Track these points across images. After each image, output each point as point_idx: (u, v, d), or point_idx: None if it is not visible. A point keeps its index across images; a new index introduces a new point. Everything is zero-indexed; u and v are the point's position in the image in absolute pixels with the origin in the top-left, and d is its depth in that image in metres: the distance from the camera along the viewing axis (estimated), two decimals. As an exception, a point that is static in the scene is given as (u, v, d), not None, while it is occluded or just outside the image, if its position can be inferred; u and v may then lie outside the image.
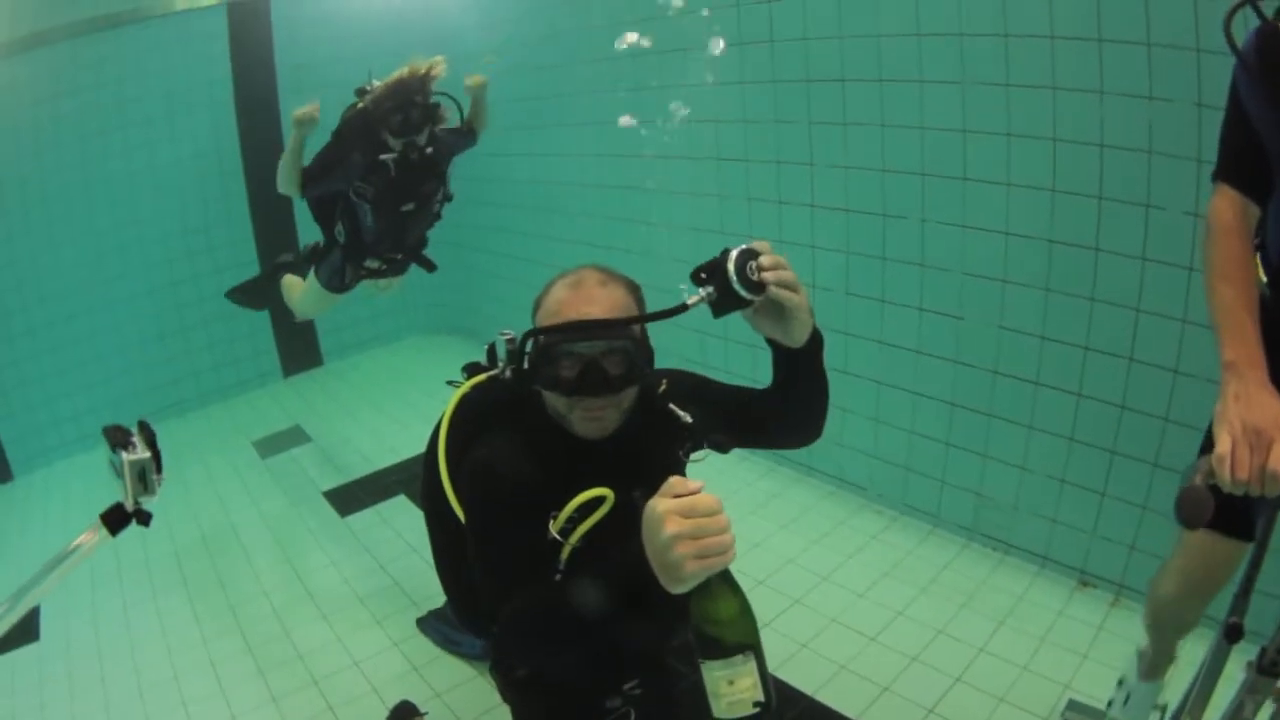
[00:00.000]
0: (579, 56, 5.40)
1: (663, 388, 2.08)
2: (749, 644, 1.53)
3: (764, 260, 1.78)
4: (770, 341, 1.97)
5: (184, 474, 5.51)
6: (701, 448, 2.12)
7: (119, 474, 2.01)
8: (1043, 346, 3.50)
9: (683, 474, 1.93)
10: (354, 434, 5.88)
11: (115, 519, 2.03)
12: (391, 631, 3.82)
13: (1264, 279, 1.99)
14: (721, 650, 1.51)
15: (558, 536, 1.88)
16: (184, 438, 6.10)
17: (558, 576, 1.87)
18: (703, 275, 1.81)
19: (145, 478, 2.00)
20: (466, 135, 4.66)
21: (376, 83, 4.25)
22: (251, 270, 6.03)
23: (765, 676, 1.54)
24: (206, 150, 6.24)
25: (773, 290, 1.78)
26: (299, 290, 5.06)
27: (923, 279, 3.87)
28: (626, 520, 1.69)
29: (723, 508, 1.47)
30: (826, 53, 3.96)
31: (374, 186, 4.31)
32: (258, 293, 5.56)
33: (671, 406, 2.04)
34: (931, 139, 3.66)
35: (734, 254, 1.77)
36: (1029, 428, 3.62)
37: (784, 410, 2.16)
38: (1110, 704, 2.67)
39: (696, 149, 4.73)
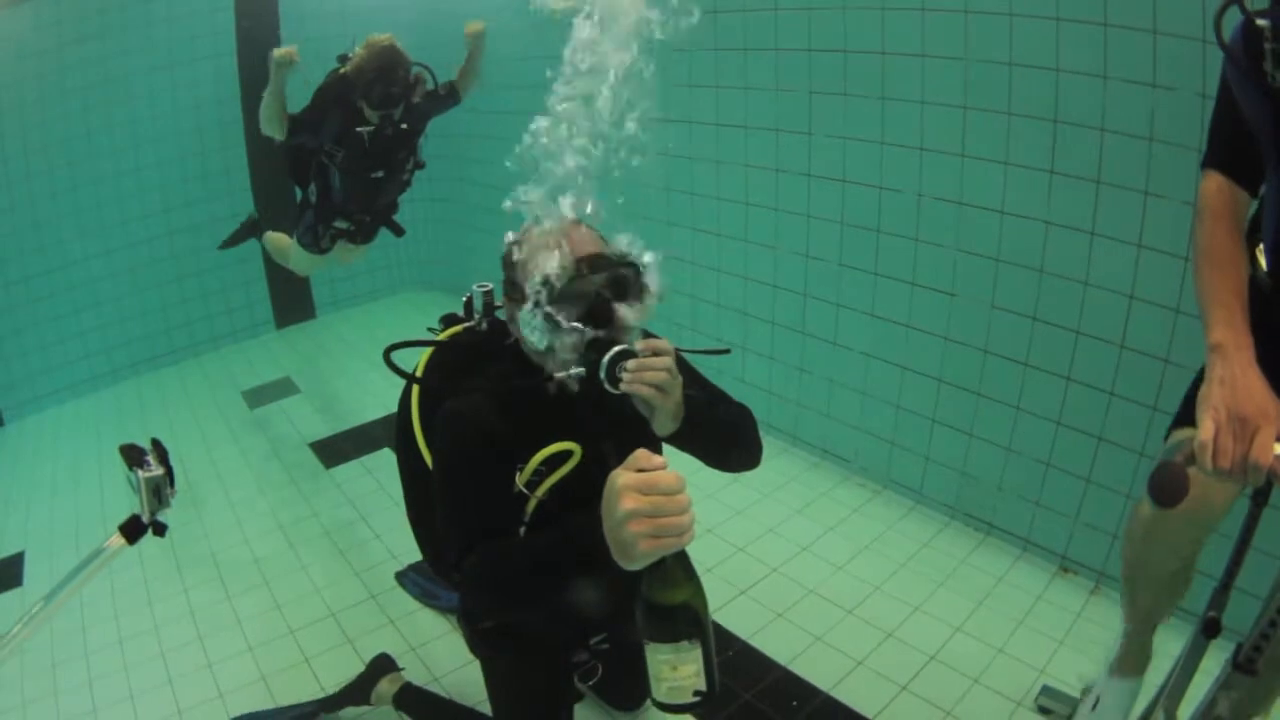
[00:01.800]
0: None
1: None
2: (696, 631, 1.49)
3: (630, 364, 1.77)
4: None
5: (173, 422, 5.55)
6: None
7: (135, 490, 2.11)
8: (1034, 328, 3.48)
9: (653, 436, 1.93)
10: (343, 387, 5.89)
11: (133, 530, 2.13)
12: (370, 584, 3.83)
13: (1265, 267, 1.97)
14: (668, 634, 1.48)
15: (524, 489, 1.89)
16: (176, 386, 6.19)
17: (523, 529, 1.89)
18: (590, 353, 1.80)
19: (160, 493, 2.10)
20: (446, 98, 4.70)
21: (359, 49, 4.29)
22: (247, 221, 6.04)
23: (711, 666, 1.51)
24: (207, 100, 6.22)
25: (632, 389, 1.77)
26: (289, 247, 5.11)
27: (916, 253, 3.84)
28: (597, 474, 1.64)
29: (684, 487, 1.42)
30: (830, 22, 3.91)
31: (345, 151, 4.41)
32: (243, 235, 5.61)
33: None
34: (931, 114, 3.63)
35: (610, 353, 1.77)
36: (1017, 409, 3.61)
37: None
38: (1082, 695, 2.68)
39: (695, 114, 4.69)
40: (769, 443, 4.53)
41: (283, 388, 5.99)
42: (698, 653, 1.48)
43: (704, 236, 4.84)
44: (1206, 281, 1.82)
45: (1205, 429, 1.55)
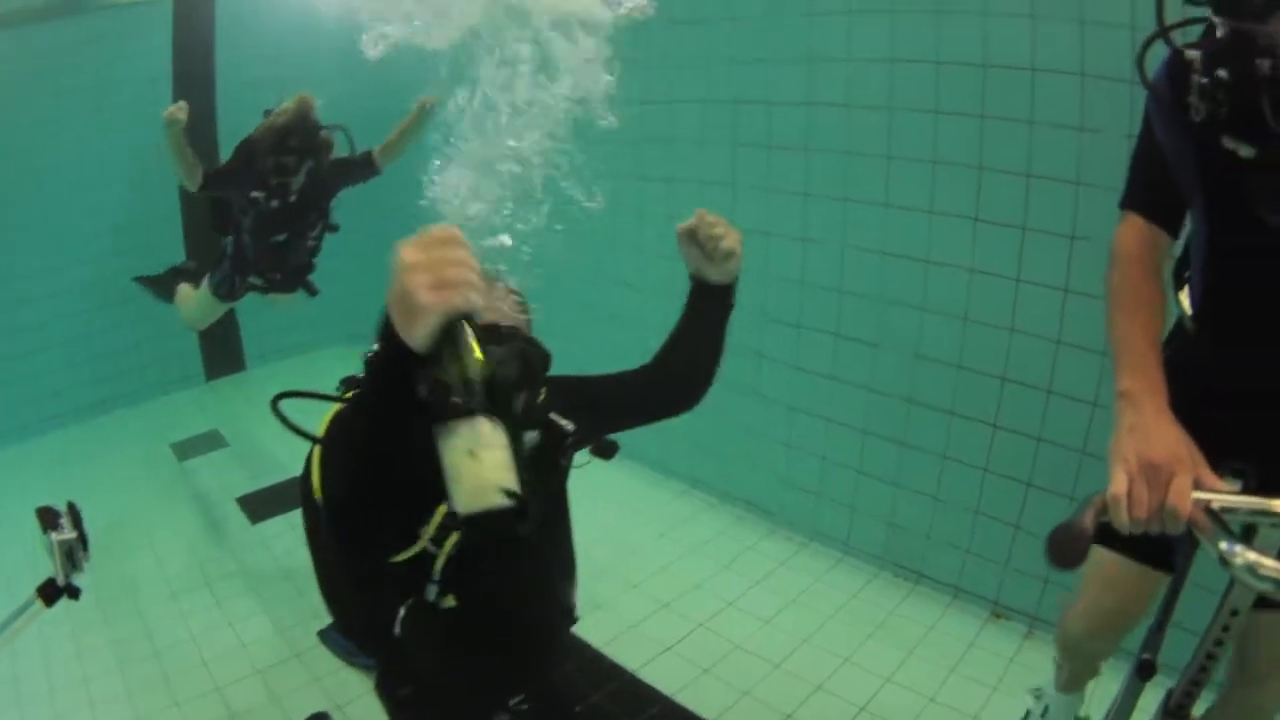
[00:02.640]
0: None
1: (541, 398, 1.96)
2: (499, 409, 1.32)
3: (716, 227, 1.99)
4: (695, 280, 2.17)
5: (104, 473, 5.42)
6: (584, 451, 2.03)
7: (50, 553, 2.11)
8: (959, 376, 3.48)
9: (563, 484, 1.97)
10: (270, 441, 5.74)
11: (49, 592, 2.13)
12: (296, 641, 3.71)
13: (1189, 311, 1.97)
14: (463, 409, 1.30)
15: (431, 547, 1.77)
16: (106, 436, 6.02)
17: (435, 586, 1.79)
18: None
19: (73, 556, 2.10)
20: (363, 167, 4.60)
21: (288, 103, 4.25)
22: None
23: (520, 468, 1.33)
24: (141, 148, 6.02)
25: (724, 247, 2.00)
26: (190, 299, 5.01)
27: (840, 304, 3.85)
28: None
29: (462, 239, 1.30)
30: (751, 76, 3.94)
31: (249, 214, 4.37)
32: (163, 286, 5.48)
33: (552, 417, 1.94)
34: (856, 164, 3.65)
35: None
36: (943, 457, 3.61)
37: (676, 359, 2.25)
38: (1028, 714, 2.64)
39: (619, 168, 4.67)
40: (695, 498, 4.55)
41: (211, 440, 5.85)
42: (502, 436, 1.32)
43: (625, 290, 4.82)
44: (1117, 326, 1.79)
45: (1117, 481, 1.46)
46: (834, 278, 3.84)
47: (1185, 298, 2.00)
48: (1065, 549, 1.37)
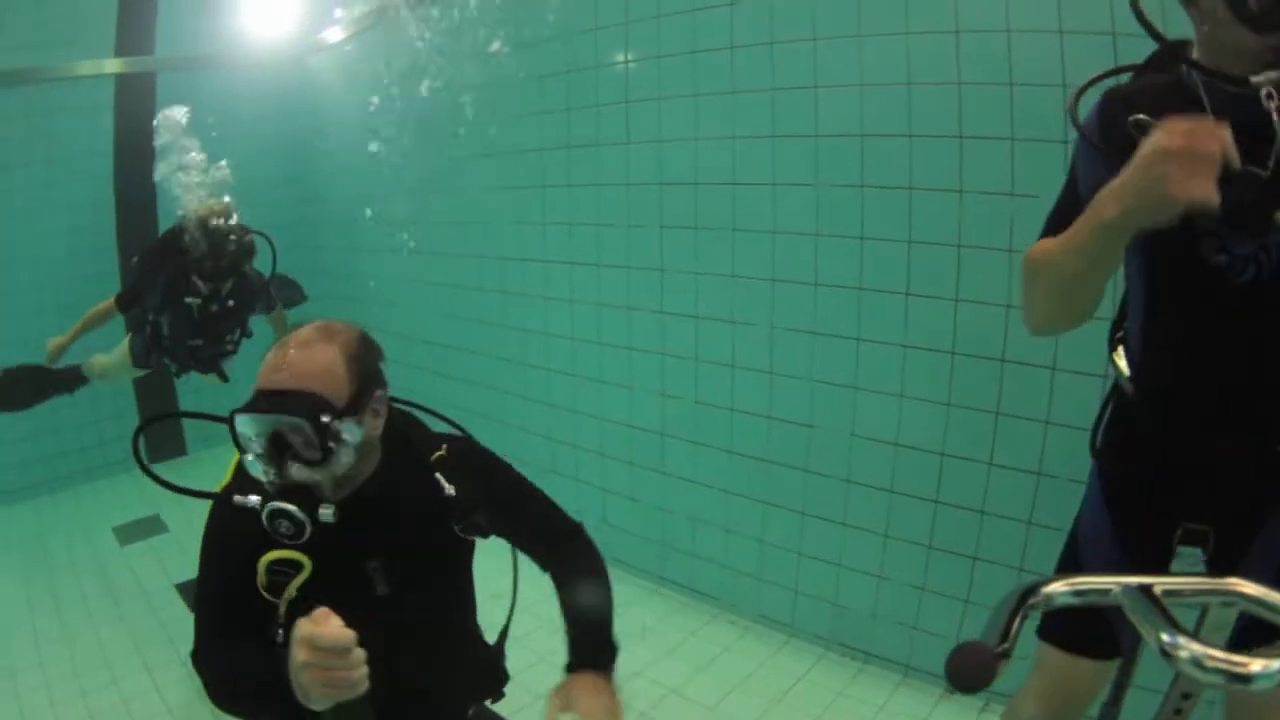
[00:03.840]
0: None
1: (439, 453, 2.01)
2: None
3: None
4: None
5: (47, 552, 5.45)
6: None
7: None
8: (897, 454, 3.50)
9: (458, 549, 2.05)
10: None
11: None
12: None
13: (1126, 372, 1.96)
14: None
15: (267, 595, 1.80)
16: (50, 517, 6.07)
17: (279, 634, 1.78)
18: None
19: None
20: (264, 295, 4.73)
21: (214, 200, 4.35)
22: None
23: None
24: (83, 225, 6.20)
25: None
26: (107, 358, 5.06)
27: (772, 386, 3.86)
28: (360, 587, 1.87)
29: (353, 644, 1.49)
30: (680, 155, 4.00)
31: (170, 314, 4.45)
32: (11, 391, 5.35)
33: (437, 476, 1.96)
34: (782, 243, 3.70)
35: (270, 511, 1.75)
36: (885, 536, 3.60)
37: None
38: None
39: (551, 252, 4.74)
40: (635, 584, 4.49)
41: (152, 525, 5.79)
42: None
43: (559, 377, 4.81)
44: (1050, 250, 1.72)
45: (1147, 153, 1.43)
46: (763, 359, 3.86)
47: (1121, 359, 1.99)
48: (969, 674, 1.12)
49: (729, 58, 3.78)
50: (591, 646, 1.98)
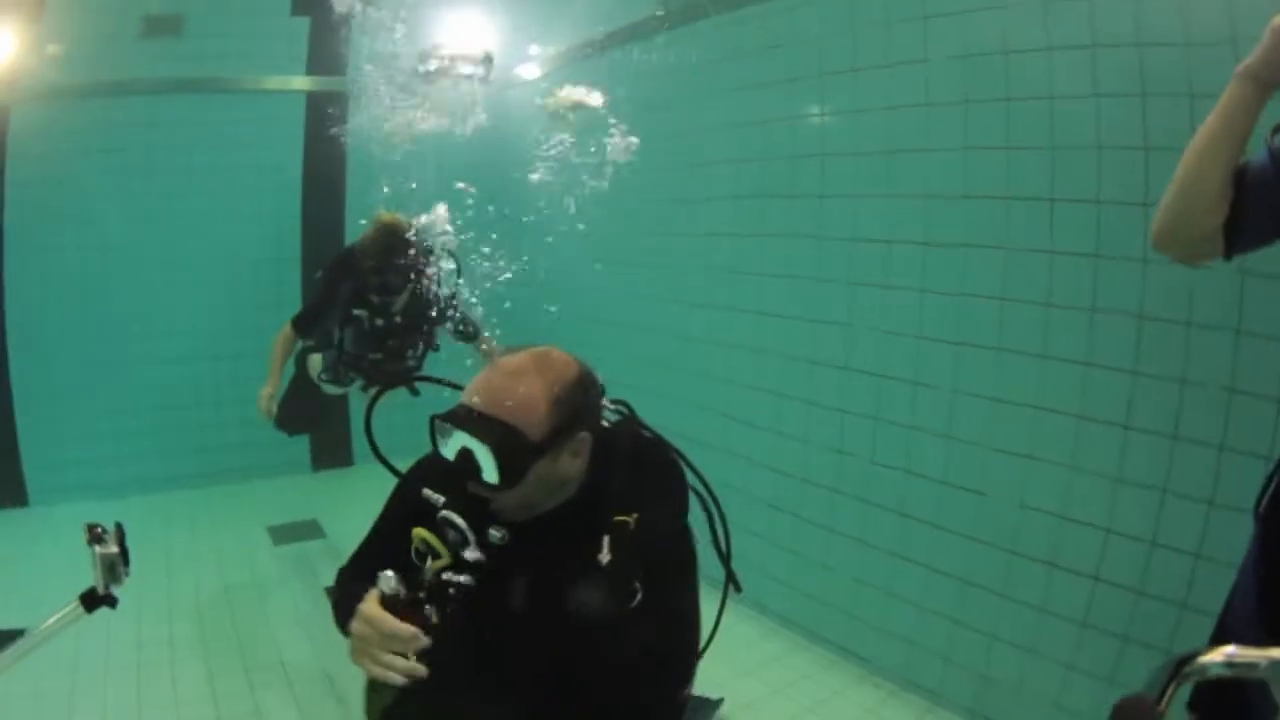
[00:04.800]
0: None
1: (624, 518, 1.93)
2: None
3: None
4: None
5: (196, 542, 5.58)
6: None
7: (94, 564, 2.29)
8: (1062, 527, 3.40)
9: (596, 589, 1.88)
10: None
11: (89, 600, 2.32)
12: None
13: None
14: None
15: (415, 559, 1.88)
16: (205, 509, 6.21)
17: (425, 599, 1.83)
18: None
19: (114, 569, 2.28)
20: (461, 334, 4.70)
21: (383, 213, 4.44)
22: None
23: None
24: (267, 235, 6.53)
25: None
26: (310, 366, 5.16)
27: (949, 450, 3.82)
28: (497, 595, 1.90)
29: (407, 640, 1.67)
30: (874, 212, 4.01)
31: (352, 327, 4.58)
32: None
33: (605, 538, 1.91)
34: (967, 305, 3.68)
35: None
36: (1040, 610, 3.50)
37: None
38: None
39: (738, 301, 4.80)
40: (786, 637, 4.46)
41: (309, 529, 5.94)
42: None
43: (734, 424, 4.85)
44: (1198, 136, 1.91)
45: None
46: (942, 422, 3.83)
47: None
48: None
49: (925, 115, 3.81)
50: None
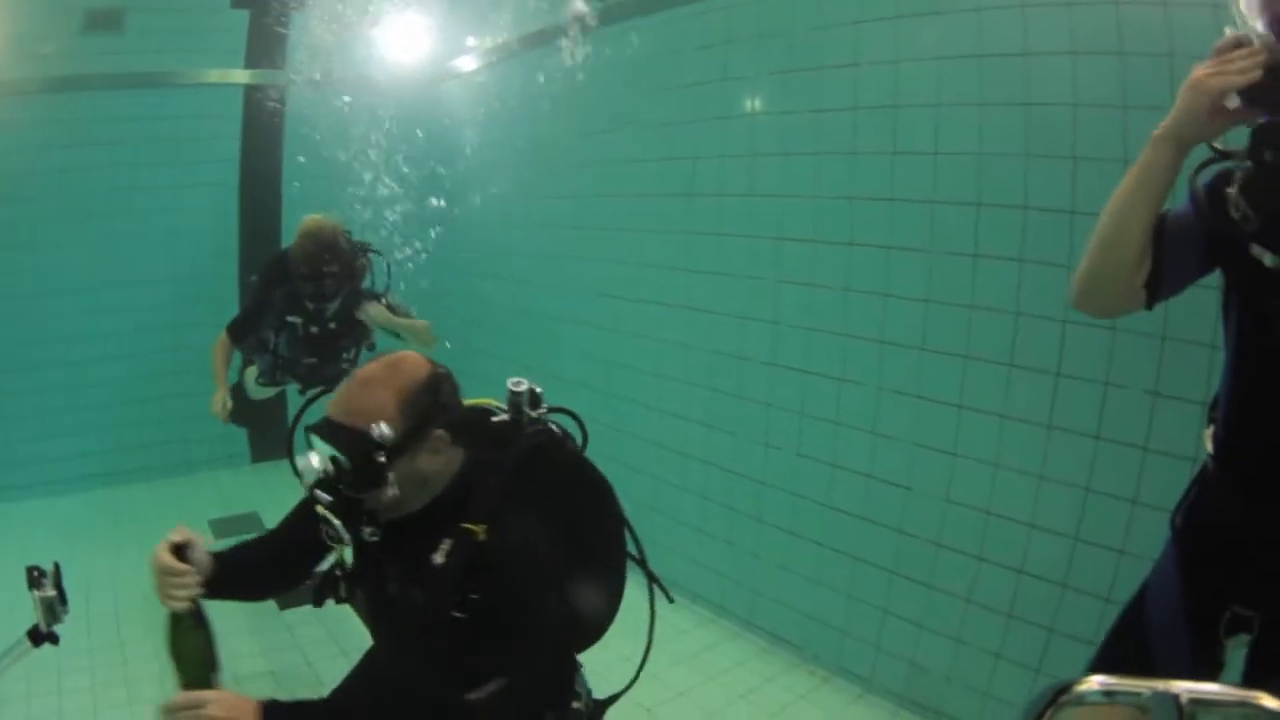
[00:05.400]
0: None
1: (474, 528, 1.97)
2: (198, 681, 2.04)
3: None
4: None
5: (139, 537, 5.35)
6: None
7: (35, 606, 2.36)
8: (988, 521, 3.54)
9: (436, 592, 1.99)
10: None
11: (36, 636, 2.39)
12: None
13: (1211, 450, 2.00)
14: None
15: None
16: (147, 503, 6.22)
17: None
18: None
19: (53, 609, 2.37)
20: (367, 299, 4.64)
21: (314, 222, 4.36)
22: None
23: None
24: (204, 228, 6.48)
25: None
26: (245, 374, 5.15)
27: (873, 446, 3.95)
28: (378, 580, 2.16)
29: (171, 573, 2.00)
30: (800, 212, 4.09)
31: (286, 332, 4.52)
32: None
33: (445, 542, 1.99)
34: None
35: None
36: (967, 601, 3.64)
37: None
38: None
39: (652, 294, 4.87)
40: (720, 626, 4.56)
41: (249, 522, 5.91)
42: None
43: (666, 417, 4.95)
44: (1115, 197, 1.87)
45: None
46: (868, 419, 3.95)
47: (1209, 438, 2.03)
48: None
49: (851, 119, 3.91)
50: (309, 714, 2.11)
